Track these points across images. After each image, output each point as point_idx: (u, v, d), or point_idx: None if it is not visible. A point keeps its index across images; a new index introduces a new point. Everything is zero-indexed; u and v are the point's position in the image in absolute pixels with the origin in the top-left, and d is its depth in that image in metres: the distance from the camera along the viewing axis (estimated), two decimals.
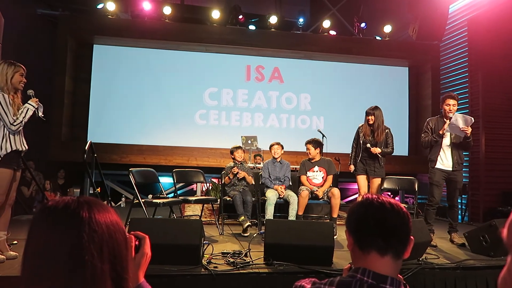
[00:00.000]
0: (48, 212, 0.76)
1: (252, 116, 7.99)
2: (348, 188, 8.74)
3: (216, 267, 2.94)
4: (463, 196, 6.54)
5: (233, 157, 4.85)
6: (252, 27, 8.14)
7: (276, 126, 8.04)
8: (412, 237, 1.04)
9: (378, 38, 8.32)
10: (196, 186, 7.62)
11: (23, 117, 2.99)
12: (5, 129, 2.96)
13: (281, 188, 4.61)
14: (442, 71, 8.02)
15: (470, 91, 6.97)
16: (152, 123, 7.66)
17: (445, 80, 7.96)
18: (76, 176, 7.34)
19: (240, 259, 3.15)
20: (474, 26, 6.94)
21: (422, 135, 4.28)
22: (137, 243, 0.95)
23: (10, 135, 2.98)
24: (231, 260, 3.09)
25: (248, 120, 7.97)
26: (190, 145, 7.53)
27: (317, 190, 4.51)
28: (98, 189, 6.43)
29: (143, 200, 4.13)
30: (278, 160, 4.88)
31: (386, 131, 4.53)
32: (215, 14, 7.60)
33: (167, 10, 7.49)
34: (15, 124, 2.95)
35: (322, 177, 4.70)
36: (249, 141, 6.09)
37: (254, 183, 4.84)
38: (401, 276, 1.05)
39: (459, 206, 5.16)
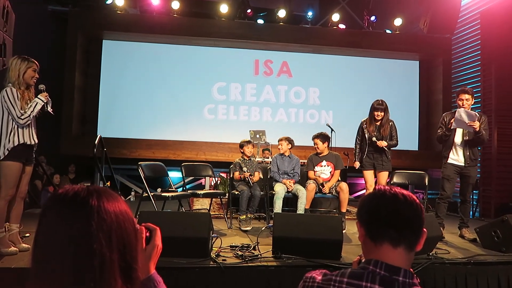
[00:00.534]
0: (57, 200, 0.76)
1: (261, 111, 7.97)
2: (357, 183, 8.68)
3: (224, 260, 2.94)
4: (474, 191, 6.45)
5: (242, 151, 4.83)
6: (260, 21, 8.08)
7: (284, 121, 8.01)
8: (425, 229, 1.02)
9: (388, 31, 8.20)
10: (205, 181, 7.65)
11: (31, 111, 3.01)
12: (14, 122, 2.99)
13: (289, 182, 4.60)
14: (454, 65, 7.88)
15: (483, 85, 6.84)
16: (161, 118, 7.70)
17: (457, 74, 7.83)
18: (87, 170, 7.43)
19: (248, 252, 3.16)
20: (487, 18, 6.80)
21: (438, 130, 4.27)
22: (148, 234, 0.95)
23: (19, 129, 3.01)
24: (240, 253, 3.10)
25: (256, 115, 7.95)
26: (199, 140, 7.55)
27: (324, 186, 4.49)
28: (108, 183, 6.50)
29: (152, 194, 4.15)
30: (287, 154, 4.86)
31: (390, 123, 4.48)
32: (224, 8, 7.57)
33: (176, 4, 7.48)
34: (22, 117, 2.98)
35: (330, 172, 4.67)
36: (258, 136, 6.08)
37: (262, 177, 4.83)
38: (411, 270, 1.03)
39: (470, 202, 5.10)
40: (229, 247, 3.28)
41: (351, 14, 8.58)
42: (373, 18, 8.40)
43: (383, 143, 4.33)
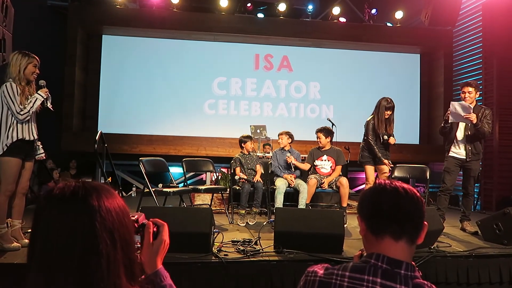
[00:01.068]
0: (55, 199, 0.74)
1: (261, 105, 7.95)
2: (358, 177, 8.68)
3: (226, 255, 2.95)
4: (475, 184, 6.44)
5: (242, 146, 4.83)
6: (260, 15, 8.04)
7: (285, 115, 7.99)
8: (426, 222, 1.02)
9: (389, 24, 8.14)
10: (206, 176, 7.65)
11: (31, 107, 3.00)
12: (13, 118, 2.99)
13: (290, 177, 4.60)
14: (455, 57, 7.84)
15: (484, 77, 6.81)
16: (161, 113, 7.69)
17: (458, 67, 7.78)
18: (88, 166, 7.44)
19: (250, 247, 3.16)
20: (489, 11, 6.74)
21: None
22: (155, 229, 0.95)
23: (18, 124, 3.00)
24: (241, 248, 3.10)
25: (257, 110, 7.93)
26: (199, 135, 7.55)
27: (323, 181, 4.50)
28: (109, 179, 6.51)
29: (153, 189, 4.15)
30: (287, 149, 4.86)
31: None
32: (223, 2, 7.53)
33: None
34: (22, 113, 2.97)
35: (331, 167, 4.67)
36: (258, 130, 6.06)
37: (263, 172, 4.83)
38: (413, 263, 1.03)
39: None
40: (230, 242, 3.29)
41: (351, 7, 8.52)
42: (374, 11, 8.34)
43: (394, 140, 4.42)
